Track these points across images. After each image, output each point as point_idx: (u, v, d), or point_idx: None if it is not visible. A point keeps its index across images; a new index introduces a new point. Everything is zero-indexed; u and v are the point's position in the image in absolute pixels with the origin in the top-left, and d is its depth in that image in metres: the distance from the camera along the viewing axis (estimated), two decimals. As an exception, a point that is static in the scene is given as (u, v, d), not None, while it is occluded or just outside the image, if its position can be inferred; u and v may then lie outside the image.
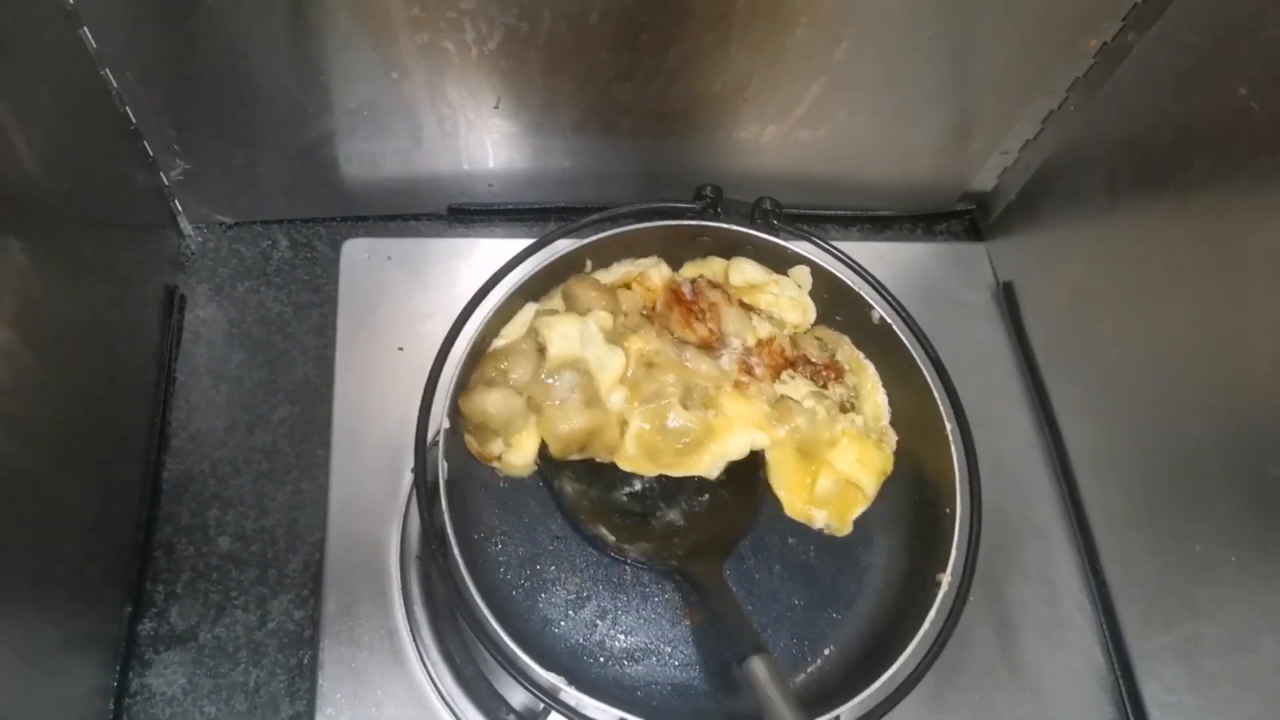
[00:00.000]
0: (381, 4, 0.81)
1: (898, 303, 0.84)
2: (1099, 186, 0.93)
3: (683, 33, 0.86)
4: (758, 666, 0.64)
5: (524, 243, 0.82)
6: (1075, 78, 0.95)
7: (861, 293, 0.84)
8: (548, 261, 0.81)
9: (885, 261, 1.07)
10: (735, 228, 0.85)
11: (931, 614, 0.71)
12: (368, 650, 0.84)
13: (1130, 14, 0.87)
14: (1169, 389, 0.85)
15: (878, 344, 0.85)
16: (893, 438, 0.84)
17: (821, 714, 0.68)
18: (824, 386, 0.83)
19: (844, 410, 0.83)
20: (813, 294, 0.87)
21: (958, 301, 1.09)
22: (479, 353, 0.79)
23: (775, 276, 0.87)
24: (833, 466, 0.80)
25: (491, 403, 0.76)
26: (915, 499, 0.84)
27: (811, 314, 0.87)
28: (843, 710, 0.69)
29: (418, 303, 1.00)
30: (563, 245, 0.83)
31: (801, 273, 0.86)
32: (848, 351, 0.87)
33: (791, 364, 0.83)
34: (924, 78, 0.95)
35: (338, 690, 0.82)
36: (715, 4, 0.84)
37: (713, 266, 0.87)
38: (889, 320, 0.83)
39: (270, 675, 0.85)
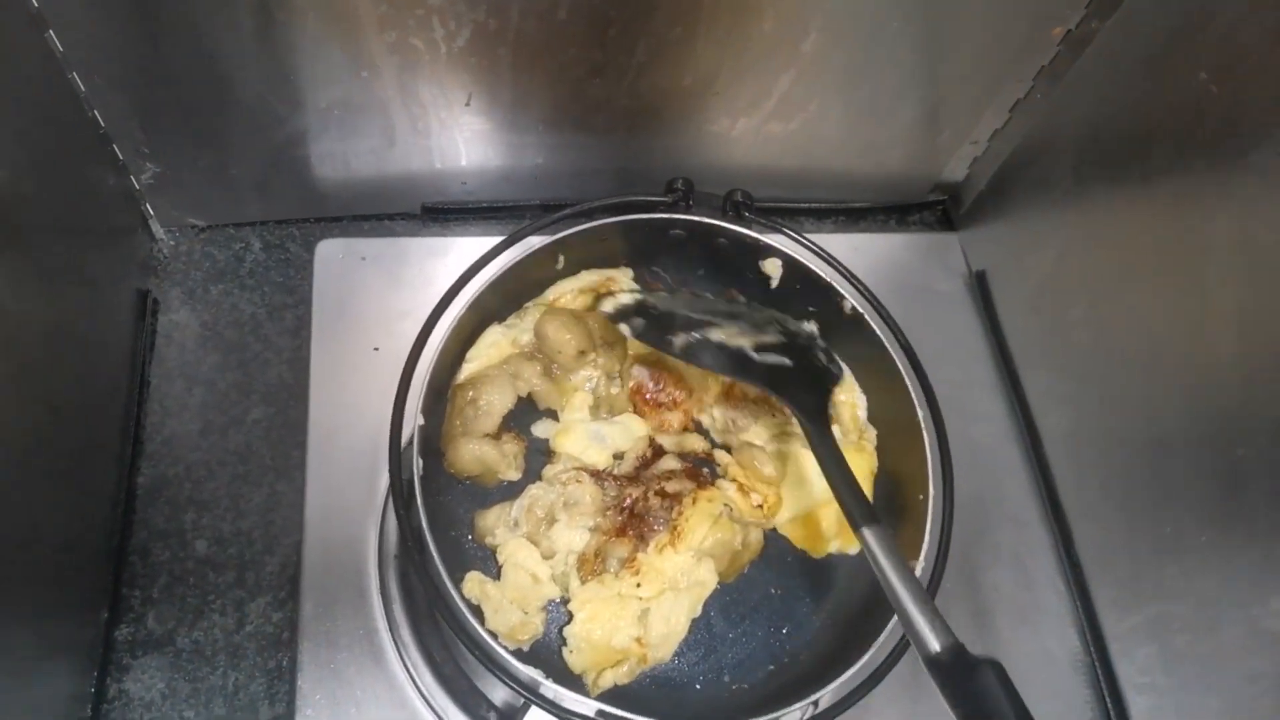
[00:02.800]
0: (349, 2, 0.81)
1: (870, 293, 0.84)
2: (1067, 174, 0.94)
3: (650, 27, 0.87)
4: (869, 537, 0.66)
5: (499, 240, 0.83)
6: (1041, 66, 0.96)
7: (834, 284, 0.85)
8: (520, 257, 0.82)
9: (859, 253, 1.07)
10: (707, 220, 0.85)
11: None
12: (347, 651, 0.84)
13: (1093, 1, 0.88)
14: (1139, 374, 0.86)
15: (851, 335, 0.85)
16: (872, 433, 0.84)
17: (798, 701, 0.69)
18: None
19: None
20: (785, 285, 0.87)
21: (931, 291, 1.10)
22: (440, 376, 0.80)
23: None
24: (827, 504, 0.80)
25: (481, 454, 0.79)
26: (889, 487, 0.84)
27: None
28: (821, 695, 0.70)
29: (393, 303, 1.00)
30: (535, 241, 0.83)
31: (773, 265, 0.87)
32: None
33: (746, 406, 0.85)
34: (893, 69, 0.96)
35: (317, 691, 0.82)
36: (682, -1, 0.84)
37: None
38: (861, 311, 0.83)
39: (249, 678, 0.85)
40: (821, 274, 0.85)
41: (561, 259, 0.85)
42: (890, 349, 0.81)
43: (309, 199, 1.05)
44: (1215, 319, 0.77)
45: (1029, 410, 1.01)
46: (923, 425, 0.78)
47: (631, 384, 0.85)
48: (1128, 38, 0.86)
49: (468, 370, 0.83)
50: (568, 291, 0.88)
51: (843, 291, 0.84)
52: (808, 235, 0.86)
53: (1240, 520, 0.74)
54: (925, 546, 0.74)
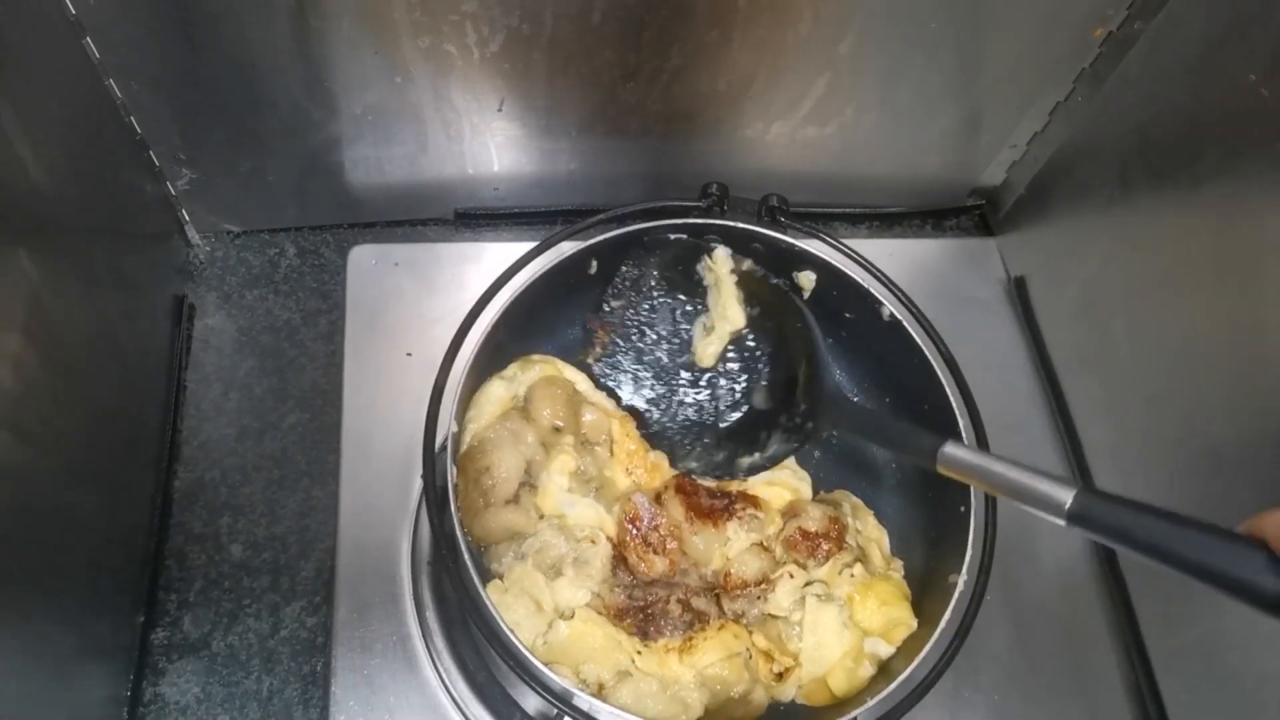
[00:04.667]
0: (384, 8, 0.81)
1: (909, 299, 0.83)
2: (1109, 178, 0.92)
3: (686, 31, 0.86)
4: (954, 451, 0.66)
5: (530, 246, 0.82)
6: (1082, 68, 0.94)
7: (872, 290, 0.83)
8: (554, 263, 0.81)
9: (895, 258, 1.06)
10: (742, 225, 0.84)
11: (947, 614, 0.70)
12: (380, 657, 0.84)
13: (1135, 2, 0.86)
14: (1186, 384, 0.84)
15: (889, 342, 0.84)
16: (899, 563, 0.82)
17: (840, 715, 0.68)
18: (825, 559, 0.79)
19: (850, 565, 0.80)
20: (822, 292, 0.86)
21: (969, 298, 1.09)
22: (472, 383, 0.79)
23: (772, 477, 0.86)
24: (867, 630, 0.77)
25: (509, 522, 0.76)
26: (929, 499, 0.83)
27: (806, 491, 0.85)
28: (860, 711, 0.69)
29: (426, 308, 1.00)
30: (568, 246, 0.82)
31: (806, 278, 0.86)
32: (850, 501, 0.85)
33: (794, 550, 0.80)
34: (930, 72, 0.95)
35: (351, 697, 0.82)
36: (718, 1, 0.83)
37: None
38: (900, 318, 0.82)
39: (283, 683, 0.85)
40: (859, 280, 0.83)
41: (595, 264, 0.85)
42: (930, 357, 0.80)
43: (343, 204, 1.06)
44: (1268, 327, 0.74)
45: (1070, 419, 0.99)
46: (964, 436, 0.76)
47: (627, 510, 0.79)
48: (1172, 39, 0.84)
49: (471, 431, 0.79)
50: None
51: (880, 298, 0.83)
52: (843, 240, 0.85)
53: (1292, 535, 0.72)
54: (968, 559, 0.72)
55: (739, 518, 0.81)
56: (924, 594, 0.78)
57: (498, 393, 0.81)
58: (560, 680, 0.65)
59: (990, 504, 0.76)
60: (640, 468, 0.82)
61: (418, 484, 0.90)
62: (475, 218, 1.10)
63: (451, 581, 0.69)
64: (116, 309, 0.88)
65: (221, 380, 0.99)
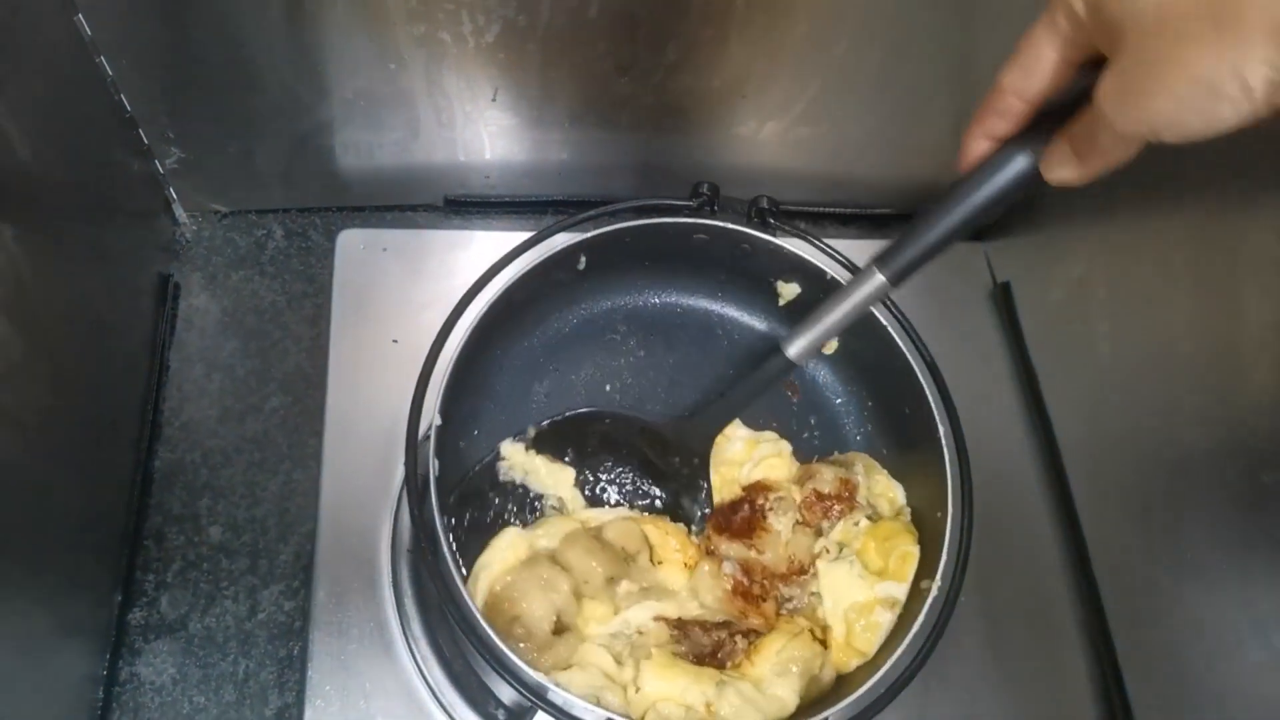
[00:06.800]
0: (379, -6, 0.81)
1: (892, 302, 0.83)
2: (1095, 188, 0.92)
3: (682, 27, 0.86)
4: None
5: (520, 235, 0.82)
6: (1074, 77, 0.94)
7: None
8: (543, 257, 0.81)
9: (882, 260, 1.07)
10: (731, 226, 0.85)
11: (919, 620, 0.71)
12: (357, 642, 0.84)
13: (1129, 14, 0.86)
14: (1163, 391, 0.85)
15: (871, 344, 0.84)
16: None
17: (812, 715, 0.69)
18: (839, 519, 0.81)
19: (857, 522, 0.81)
20: (807, 295, 0.87)
21: (955, 301, 1.09)
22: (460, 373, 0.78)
23: (757, 437, 0.86)
24: (879, 574, 0.79)
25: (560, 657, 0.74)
26: (910, 505, 0.84)
27: (788, 454, 0.86)
28: (831, 712, 0.69)
29: (413, 294, 1.00)
30: (559, 240, 0.82)
31: (790, 288, 0.87)
32: (864, 461, 0.86)
33: (814, 509, 0.82)
34: (923, 75, 0.95)
35: (327, 681, 0.82)
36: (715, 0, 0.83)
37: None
38: (883, 320, 0.83)
39: (260, 666, 0.85)
40: (844, 283, 0.84)
41: (584, 259, 0.85)
42: (911, 360, 0.81)
43: (332, 188, 1.05)
44: (1247, 337, 0.75)
45: (1049, 424, 1.00)
46: (943, 440, 0.77)
47: (728, 584, 0.78)
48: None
49: (486, 579, 0.76)
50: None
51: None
52: (830, 241, 0.85)
53: (1261, 544, 0.74)
54: (943, 563, 0.73)
55: (770, 508, 0.81)
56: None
57: (510, 539, 0.79)
58: (534, 674, 0.66)
59: (968, 508, 0.77)
60: (685, 548, 0.81)
61: (399, 471, 0.90)
62: (465, 205, 1.09)
63: (429, 573, 0.69)
64: (100, 286, 0.87)
65: (204, 361, 0.98)
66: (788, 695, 0.72)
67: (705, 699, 0.70)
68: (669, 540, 0.81)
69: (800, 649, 0.74)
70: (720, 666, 0.74)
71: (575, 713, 0.66)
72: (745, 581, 0.78)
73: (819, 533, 0.81)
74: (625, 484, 0.84)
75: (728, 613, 0.77)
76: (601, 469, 0.84)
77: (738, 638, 0.75)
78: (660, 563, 0.80)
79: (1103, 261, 0.93)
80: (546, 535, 0.78)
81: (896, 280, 0.65)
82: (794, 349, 0.73)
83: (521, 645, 0.72)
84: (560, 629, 0.75)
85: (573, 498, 0.83)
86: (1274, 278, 0.73)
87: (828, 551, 0.79)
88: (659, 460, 0.83)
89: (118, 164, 0.92)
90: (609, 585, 0.77)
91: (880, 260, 0.65)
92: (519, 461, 0.83)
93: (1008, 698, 0.89)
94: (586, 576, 0.76)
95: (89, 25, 0.80)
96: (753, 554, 0.79)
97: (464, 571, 0.74)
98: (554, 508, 0.82)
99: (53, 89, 0.77)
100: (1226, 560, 0.77)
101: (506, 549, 0.78)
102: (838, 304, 0.69)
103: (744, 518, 0.81)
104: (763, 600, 0.78)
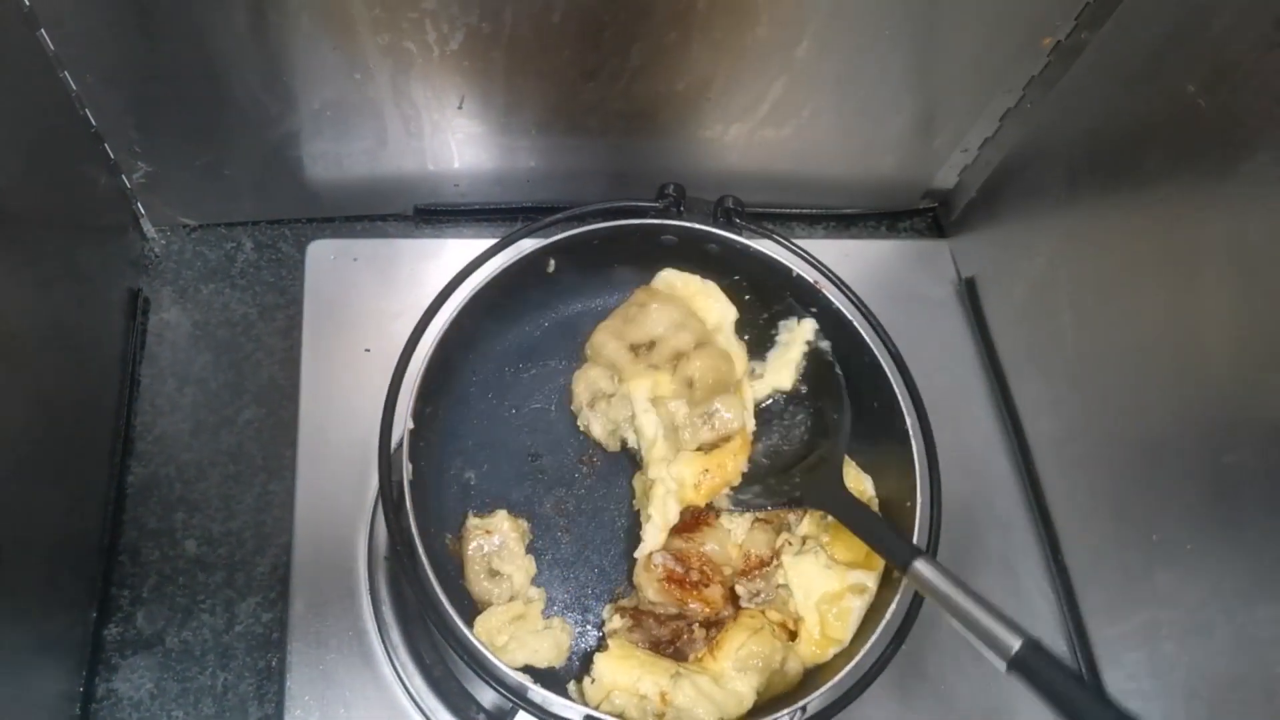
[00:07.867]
0: (343, 5, 0.81)
1: (857, 298, 0.85)
2: (1058, 182, 0.95)
3: (645, 31, 0.87)
4: (923, 569, 0.67)
5: (491, 243, 0.83)
6: (1031, 76, 0.96)
7: (823, 289, 0.85)
8: (512, 261, 0.82)
9: (850, 259, 1.08)
10: (698, 226, 0.85)
11: (892, 607, 0.72)
12: (336, 652, 0.84)
13: (1083, 12, 0.88)
14: (1128, 380, 0.86)
15: (840, 340, 0.85)
16: (876, 503, 0.84)
17: (787, 706, 0.69)
18: (805, 513, 0.83)
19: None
20: (774, 293, 0.88)
21: (921, 298, 1.11)
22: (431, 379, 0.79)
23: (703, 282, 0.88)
24: (849, 564, 0.80)
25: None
26: (879, 496, 0.85)
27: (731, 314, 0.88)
28: (809, 700, 0.70)
29: (385, 304, 1.00)
30: (527, 244, 0.83)
31: (807, 327, 0.88)
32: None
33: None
34: (885, 76, 0.96)
35: (306, 692, 0.82)
36: (676, 2, 0.84)
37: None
38: (850, 316, 0.84)
39: (238, 678, 0.85)
40: (812, 281, 0.85)
41: (553, 263, 0.86)
42: (879, 354, 0.82)
43: (301, 199, 1.05)
44: (1206, 326, 0.77)
45: (1018, 416, 1.02)
46: (910, 432, 0.78)
47: (660, 573, 0.79)
48: (1118, 49, 0.86)
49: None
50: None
51: (832, 298, 0.84)
52: (798, 240, 0.86)
53: (1228, 527, 0.75)
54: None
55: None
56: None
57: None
58: (515, 675, 0.66)
59: (936, 499, 0.78)
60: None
61: (374, 480, 0.90)
62: (435, 214, 1.10)
63: (407, 579, 0.69)
64: (70, 302, 0.87)
65: (176, 375, 0.98)
66: (746, 690, 0.73)
67: (660, 689, 0.71)
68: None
69: (760, 645, 0.74)
70: (682, 658, 0.75)
71: (555, 710, 0.66)
72: (680, 570, 0.78)
73: (779, 530, 0.82)
74: None
75: (668, 601, 0.78)
76: None
77: (696, 628, 0.76)
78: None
79: (1065, 255, 0.95)
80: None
81: (1014, 667, 0.62)
82: (918, 568, 0.68)
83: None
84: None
85: None
86: (1230, 265, 0.75)
87: (790, 545, 0.80)
88: (787, 460, 0.85)
89: (84, 179, 0.92)
90: (636, 360, 0.84)
91: (1029, 645, 0.61)
92: None
93: (985, 690, 0.91)
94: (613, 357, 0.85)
95: (51, 41, 0.80)
96: (689, 544, 0.80)
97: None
98: None
99: (16, 104, 0.77)
100: (1195, 546, 0.78)
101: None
102: (970, 606, 0.65)
103: (694, 514, 0.82)
104: (704, 586, 0.78)
